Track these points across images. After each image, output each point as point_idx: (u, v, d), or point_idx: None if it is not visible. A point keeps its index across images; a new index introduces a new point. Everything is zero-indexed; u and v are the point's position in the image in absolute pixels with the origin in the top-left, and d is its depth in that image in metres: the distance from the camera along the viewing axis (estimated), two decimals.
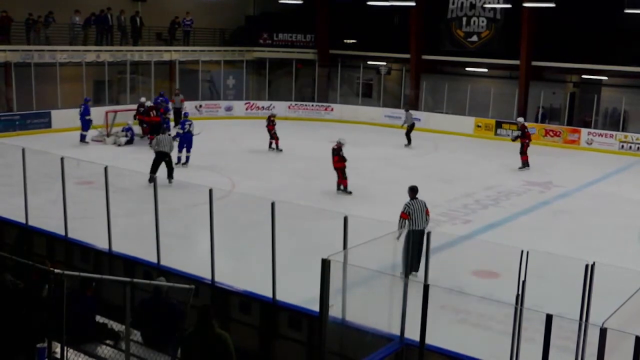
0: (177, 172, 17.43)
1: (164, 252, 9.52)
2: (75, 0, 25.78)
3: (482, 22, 28.11)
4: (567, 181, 18.84)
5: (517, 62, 26.82)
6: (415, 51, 29.33)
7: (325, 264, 6.53)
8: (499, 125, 26.39)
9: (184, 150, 18.95)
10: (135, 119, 23.05)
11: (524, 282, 6.66)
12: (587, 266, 6.47)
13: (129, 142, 22.10)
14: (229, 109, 29.37)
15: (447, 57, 29.01)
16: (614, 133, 24.36)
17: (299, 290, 8.57)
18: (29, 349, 5.92)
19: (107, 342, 6.80)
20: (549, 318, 5.72)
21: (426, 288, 6.54)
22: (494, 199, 16.47)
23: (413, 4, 27.15)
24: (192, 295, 6.61)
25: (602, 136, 24.57)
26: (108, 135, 22.65)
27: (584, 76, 26.50)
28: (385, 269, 10.37)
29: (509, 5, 26.73)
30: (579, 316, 6.54)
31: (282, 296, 8.36)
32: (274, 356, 8.44)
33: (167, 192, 10.78)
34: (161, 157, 16.93)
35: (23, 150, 10.88)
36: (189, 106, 25.95)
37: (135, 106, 23.59)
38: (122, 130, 22.46)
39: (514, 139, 21.03)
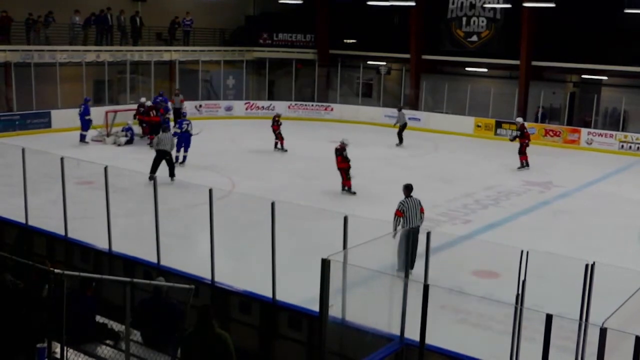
0: (177, 172, 17.43)
1: (164, 252, 9.52)
2: (75, 0, 25.79)
3: (482, 22, 28.11)
4: (567, 181, 18.84)
5: (517, 62, 26.83)
6: (415, 51, 29.34)
7: (325, 264, 6.53)
8: (498, 125, 26.39)
9: (182, 149, 18.97)
10: (135, 118, 23.05)
11: (524, 282, 6.66)
12: (587, 266, 6.47)
13: (129, 142, 22.10)
14: (228, 109, 29.38)
15: (447, 57, 29.02)
16: (613, 133, 24.36)
17: (299, 290, 8.56)
18: (29, 349, 5.92)
19: (107, 342, 6.80)
20: (549, 318, 5.72)
21: (426, 288, 6.54)
22: (494, 199, 16.47)
23: (413, 4, 27.16)
24: (192, 295, 6.61)
25: (602, 136, 24.58)
26: (108, 135, 22.65)
27: (583, 76, 26.50)
28: (385, 269, 10.38)
29: (509, 5, 26.74)
30: (579, 316, 6.54)
31: (282, 296, 8.36)
32: (274, 356, 8.44)
33: (167, 192, 10.77)
34: (162, 155, 17.00)
35: (23, 150, 10.88)
36: (189, 106, 25.96)
37: (134, 106, 23.59)
38: (122, 130, 22.46)
39: (513, 139, 21.03)
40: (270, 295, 8.37)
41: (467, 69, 28.64)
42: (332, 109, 29.82)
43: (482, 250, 11.51)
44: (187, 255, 10.45)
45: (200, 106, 28.18)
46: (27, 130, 23.10)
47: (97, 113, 22.69)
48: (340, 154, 16.01)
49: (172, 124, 23.54)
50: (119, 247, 10.05)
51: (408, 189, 11.02)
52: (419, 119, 28.22)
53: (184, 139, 18.94)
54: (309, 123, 28.43)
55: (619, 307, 5.53)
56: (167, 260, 9.52)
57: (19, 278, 6.58)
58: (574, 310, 6.59)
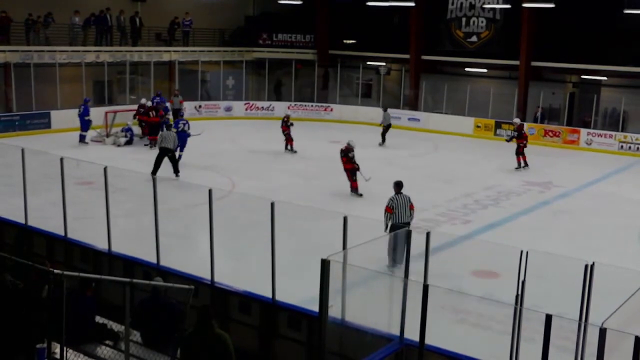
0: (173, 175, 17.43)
1: (164, 252, 9.52)
2: (74, 1, 25.78)
3: (482, 22, 28.11)
4: (567, 181, 18.84)
5: (516, 62, 26.82)
6: (414, 51, 29.33)
7: (325, 264, 6.53)
8: (498, 125, 26.38)
9: (177, 149, 18.96)
10: (134, 118, 23.04)
11: (523, 282, 6.66)
12: (586, 266, 6.47)
13: (129, 142, 22.10)
14: (228, 109, 29.37)
15: (446, 58, 29.01)
16: (613, 133, 24.36)
17: (298, 291, 8.56)
18: (29, 349, 5.93)
19: (107, 342, 6.80)
20: (548, 318, 5.72)
21: (426, 288, 6.54)
22: (493, 199, 16.47)
23: (413, 4, 27.15)
24: (192, 295, 6.61)
25: (601, 136, 24.58)
26: (107, 135, 22.64)
27: (583, 76, 26.50)
28: (385, 269, 10.42)
29: (508, 6, 26.74)
30: (578, 316, 6.54)
31: (282, 296, 8.36)
32: (274, 356, 8.44)
33: (167, 192, 10.77)
34: (164, 153, 17.19)
35: (23, 150, 10.88)
36: (188, 107, 25.97)
37: (134, 107, 23.59)
38: (122, 131, 22.46)
39: (509, 140, 20.99)
40: (270, 295, 8.37)
41: (466, 69, 28.64)
42: (331, 110, 29.82)
43: (482, 250, 11.51)
44: (186, 256, 10.45)
45: (200, 106, 28.17)
46: (27, 131, 23.09)
47: (96, 113, 22.68)
48: (345, 155, 15.98)
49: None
50: (118, 248, 10.05)
51: (398, 185, 11.31)
52: (419, 119, 28.23)
53: (180, 139, 18.93)
54: (309, 123, 28.40)
55: (619, 307, 5.53)
56: (167, 260, 9.52)
57: (19, 278, 6.58)
58: (573, 310, 6.59)
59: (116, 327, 6.93)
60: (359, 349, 7.18)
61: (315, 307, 7.01)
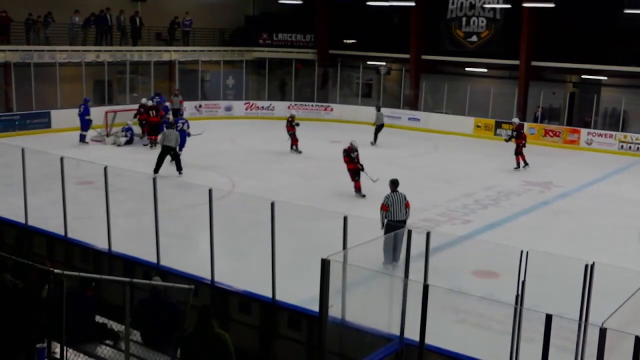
0: (174, 174, 17.44)
1: (164, 252, 9.53)
2: (74, 1, 25.77)
3: (482, 22, 28.11)
4: (567, 181, 18.84)
5: (516, 62, 26.82)
6: (415, 51, 29.33)
7: (325, 264, 6.53)
8: (498, 125, 26.37)
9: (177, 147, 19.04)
10: (135, 118, 23.02)
11: (523, 282, 6.66)
12: (586, 266, 6.47)
13: (129, 142, 22.10)
14: (228, 109, 29.37)
15: (446, 57, 29.01)
16: (613, 133, 24.36)
17: (298, 290, 8.56)
18: (29, 349, 5.93)
19: (107, 342, 6.80)
20: (548, 318, 5.72)
21: (426, 288, 6.54)
22: (493, 199, 16.47)
23: (413, 4, 27.15)
24: (192, 295, 6.61)
25: (601, 136, 24.58)
26: (107, 135, 22.64)
27: (583, 76, 26.50)
28: (385, 268, 10.42)
29: (508, 6, 26.74)
30: (578, 316, 6.54)
31: (282, 296, 8.37)
32: (274, 356, 8.44)
33: (167, 192, 10.77)
34: (166, 151, 17.42)
35: (23, 150, 10.88)
36: (188, 106, 25.98)
37: (134, 106, 23.58)
38: (122, 130, 22.46)
39: (508, 140, 20.96)
40: (270, 295, 8.37)
41: (467, 69, 28.64)
42: (332, 109, 29.82)
43: (482, 250, 11.51)
44: (187, 255, 10.45)
45: (200, 106, 28.18)
46: (27, 131, 23.08)
47: (96, 113, 22.68)
48: (348, 155, 15.97)
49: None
50: (118, 247, 10.05)
51: (394, 184, 11.49)
52: (419, 119, 28.23)
53: (180, 138, 18.98)
54: (309, 123, 28.32)
55: (619, 307, 5.53)
56: (167, 260, 9.52)
57: (19, 278, 6.58)
58: (573, 310, 6.59)
59: (116, 326, 6.93)
60: (359, 349, 7.18)
61: (315, 307, 7.02)
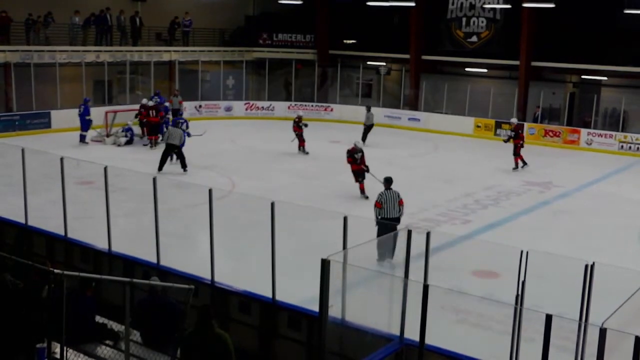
0: (177, 172, 17.45)
1: (164, 252, 9.53)
2: (74, 1, 25.77)
3: (482, 22, 28.11)
4: (567, 181, 18.84)
5: (516, 62, 26.81)
6: (415, 51, 29.33)
7: (325, 264, 6.53)
8: (498, 125, 26.36)
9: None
10: (136, 118, 23.02)
11: (523, 282, 6.66)
12: (586, 266, 6.47)
13: (129, 142, 22.10)
14: (228, 109, 29.37)
15: (446, 58, 29.01)
16: (613, 133, 24.36)
17: (298, 290, 8.56)
18: (29, 349, 5.93)
19: (107, 342, 6.80)
20: (548, 318, 5.73)
21: (426, 288, 6.54)
22: (493, 199, 16.47)
23: (413, 4, 27.14)
24: (192, 295, 6.61)
25: (601, 136, 24.57)
26: (108, 135, 22.64)
27: (583, 76, 26.50)
28: (385, 268, 10.41)
29: (508, 6, 26.73)
30: (578, 316, 6.54)
31: (282, 296, 8.36)
32: (274, 356, 8.44)
33: (167, 192, 10.77)
34: (170, 149, 17.77)
35: (23, 150, 10.88)
36: (188, 106, 25.97)
37: (134, 106, 23.58)
38: (122, 131, 22.46)
39: (507, 140, 20.92)
40: (270, 295, 8.37)
41: (466, 69, 28.63)
42: (332, 109, 29.81)
43: (482, 250, 11.51)
44: (187, 255, 10.45)
45: (200, 106, 28.18)
46: (27, 131, 23.08)
47: (96, 113, 22.68)
48: (351, 155, 15.93)
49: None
50: (118, 247, 10.05)
51: (387, 181, 11.71)
52: (419, 119, 28.23)
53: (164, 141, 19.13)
54: (309, 123, 28.38)
55: (619, 307, 5.53)
56: (167, 260, 9.52)
57: (19, 278, 6.58)
58: (573, 310, 6.59)
59: (116, 327, 6.93)
60: (359, 349, 7.18)
61: (315, 307, 7.02)
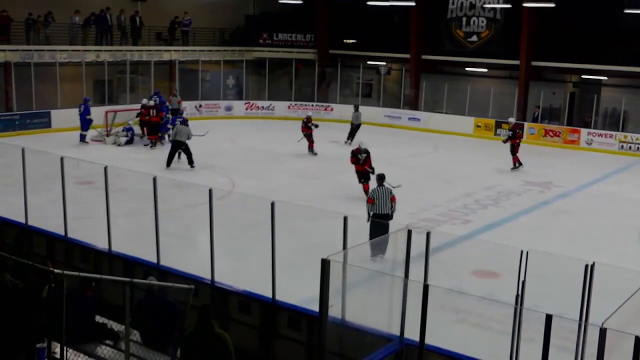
0: (177, 172, 17.47)
1: (164, 252, 9.52)
2: (74, 0, 25.77)
3: (482, 22, 28.11)
4: (567, 181, 18.84)
5: (516, 62, 26.81)
6: (415, 51, 29.33)
7: (325, 264, 6.53)
8: (498, 125, 26.36)
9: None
10: (137, 117, 23.02)
11: (523, 282, 6.66)
12: (586, 266, 6.47)
13: (129, 142, 22.10)
14: (228, 109, 29.37)
15: (447, 57, 29.00)
16: (613, 133, 24.36)
17: (298, 290, 8.56)
18: (29, 349, 5.93)
19: (107, 342, 6.80)
20: (548, 318, 5.72)
21: (426, 288, 6.54)
22: (493, 199, 16.47)
23: (413, 4, 27.15)
24: (192, 295, 6.61)
25: (601, 136, 24.57)
26: (108, 135, 22.65)
27: (583, 76, 26.49)
28: (385, 269, 10.41)
29: (508, 5, 26.73)
30: (578, 316, 6.54)
31: (282, 296, 8.36)
32: (274, 356, 8.44)
33: (167, 192, 10.77)
34: (178, 146, 18.21)
35: (23, 150, 10.88)
36: (189, 106, 25.96)
37: (134, 106, 23.58)
38: (123, 130, 22.47)
39: (506, 141, 20.89)
40: (270, 295, 8.37)
41: (467, 69, 28.63)
42: (332, 109, 29.80)
43: (482, 250, 11.51)
44: (187, 255, 10.45)
45: (200, 106, 28.18)
46: (27, 130, 23.08)
47: (97, 113, 22.68)
48: (354, 156, 15.90)
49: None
50: (118, 247, 10.05)
51: (380, 178, 12.00)
52: (419, 119, 28.23)
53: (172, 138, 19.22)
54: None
55: (619, 307, 5.53)
56: (167, 260, 9.52)
57: (19, 278, 6.58)
58: (573, 310, 6.59)
59: (116, 326, 6.93)
60: (359, 349, 7.18)
61: (315, 307, 7.02)
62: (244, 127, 26.67)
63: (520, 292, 6.59)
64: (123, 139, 22.10)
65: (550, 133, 25.54)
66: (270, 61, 30.46)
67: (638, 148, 23.82)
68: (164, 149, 20.37)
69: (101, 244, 10.20)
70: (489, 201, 16.26)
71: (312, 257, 6.95)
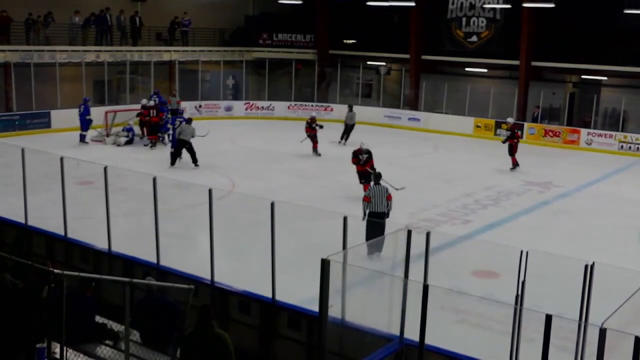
0: (176, 172, 17.46)
1: (164, 252, 9.52)
2: (74, 1, 25.77)
3: (482, 22, 28.11)
4: (567, 181, 18.84)
5: (516, 62, 26.82)
6: (414, 51, 29.33)
7: (325, 264, 6.53)
8: (498, 125, 26.36)
9: (170, 144, 19.22)
10: (136, 117, 23.02)
11: (523, 282, 6.66)
12: (586, 266, 6.47)
13: (129, 142, 22.10)
14: (228, 109, 29.37)
15: (446, 57, 29.01)
16: (613, 133, 24.36)
17: (298, 290, 8.56)
18: (29, 349, 5.92)
19: (107, 342, 6.80)
20: (548, 318, 5.72)
21: (426, 288, 6.54)
22: (493, 199, 16.47)
23: (413, 4, 27.15)
24: (192, 295, 6.61)
25: (601, 136, 24.58)
26: (108, 135, 22.65)
27: (583, 76, 26.50)
28: (385, 269, 10.41)
29: (508, 6, 26.74)
30: (578, 316, 6.54)
31: (282, 296, 8.36)
32: (274, 356, 8.44)
33: (167, 192, 10.76)
34: (182, 145, 18.31)
35: (23, 150, 10.88)
36: (188, 106, 25.96)
37: (134, 106, 23.58)
38: (123, 130, 22.47)
39: (505, 141, 20.87)
40: (269, 295, 8.37)
41: (466, 69, 28.63)
42: (332, 109, 29.79)
43: (482, 250, 11.51)
44: (186, 255, 10.45)
45: (200, 106, 28.17)
46: (27, 130, 23.08)
47: (96, 113, 22.68)
48: (356, 156, 15.87)
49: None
50: (118, 247, 10.05)
51: (376, 177, 12.06)
52: (419, 119, 28.24)
53: (175, 137, 19.21)
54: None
55: (619, 307, 5.53)
56: (167, 260, 9.52)
57: (19, 278, 6.58)
58: (573, 310, 6.58)
59: (116, 327, 6.93)
60: (359, 349, 7.18)
61: (315, 307, 7.01)
62: (244, 127, 26.67)
63: (520, 292, 6.59)
64: (123, 139, 22.10)
65: (550, 133, 25.55)
66: (270, 61, 30.46)
67: (638, 148, 23.82)
68: (164, 149, 20.39)
69: (101, 244, 10.19)
70: (488, 201, 16.26)
71: (312, 257, 6.95)
